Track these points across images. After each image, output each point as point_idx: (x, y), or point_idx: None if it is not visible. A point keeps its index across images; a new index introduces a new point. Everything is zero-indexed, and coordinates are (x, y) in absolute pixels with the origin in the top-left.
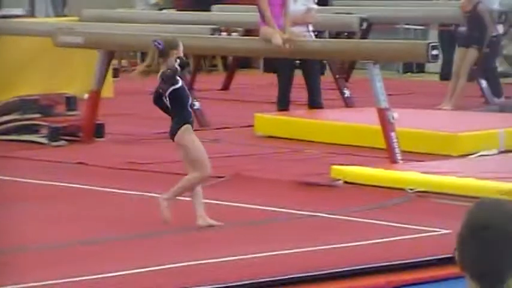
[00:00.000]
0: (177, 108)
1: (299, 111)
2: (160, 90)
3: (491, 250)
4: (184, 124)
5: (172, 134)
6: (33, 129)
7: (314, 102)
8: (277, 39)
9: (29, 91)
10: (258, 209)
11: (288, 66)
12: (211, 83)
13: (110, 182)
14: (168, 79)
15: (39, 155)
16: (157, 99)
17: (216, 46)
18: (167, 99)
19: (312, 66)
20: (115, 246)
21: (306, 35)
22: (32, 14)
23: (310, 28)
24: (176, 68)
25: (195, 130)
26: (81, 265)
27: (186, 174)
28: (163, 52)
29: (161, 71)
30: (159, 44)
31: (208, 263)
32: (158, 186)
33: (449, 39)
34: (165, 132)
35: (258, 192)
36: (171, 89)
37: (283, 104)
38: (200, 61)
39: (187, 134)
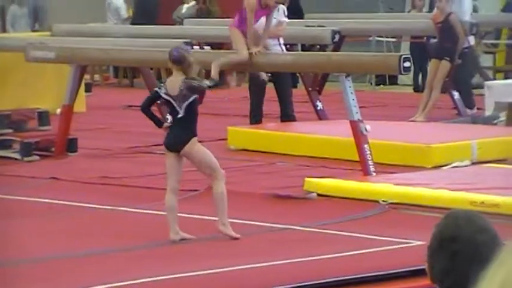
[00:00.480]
0: (190, 119)
1: (272, 124)
2: (184, 92)
3: (460, 262)
4: (193, 136)
5: (179, 144)
6: (5, 144)
7: (286, 115)
8: (242, 54)
9: (0, 106)
10: (231, 222)
11: (259, 79)
12: None
13: (83, 196)
14: (195, 89)
15: (12, 171)
16: (149, 107)
17: None
18: (183, 107)
19: (283, 80)
20: (85, 260)
21: (277, 49)
22: (3, 29)
23: (281, 41)
24: (206, 85)
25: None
26: (55, 280)
27: (160, 188)
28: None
29: (185, 77)
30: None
31: (181, 277)
32: (131, 201)
33: (420, 51)
34: (137, 147)
35: (231, 206)
36: (193, 97)
37: (256, 117)
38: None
39: (196, 145)
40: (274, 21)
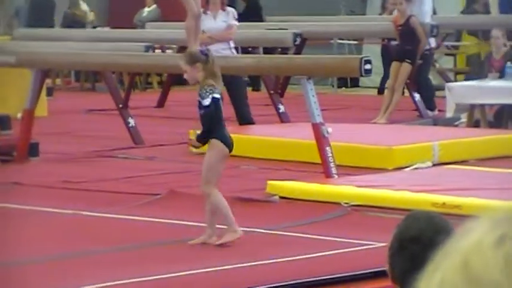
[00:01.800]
0: (205, 118)
1: (234, 127)
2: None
3: (421, 262)
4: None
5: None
6: None
7: (244, 119)
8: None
9: None
10: (194, 226)
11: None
12: (146, 100)
13: (45, 201)
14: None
15: None
16: None
17: (151, 63)
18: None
19: (236, 83)
20: (48, 265)
21: (228, 53)
22: None
23: (232, 45)
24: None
25: (129, 148)
26: (18, 286)
27: (122, 192)
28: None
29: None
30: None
31: (144, 281)
32: (93, 205)
33: (388, 54)
34: (99, 151)
35: (194, 209)
36: (201, 103)
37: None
38: (135, 78)
39: (210, 150)
40: (223, 25)
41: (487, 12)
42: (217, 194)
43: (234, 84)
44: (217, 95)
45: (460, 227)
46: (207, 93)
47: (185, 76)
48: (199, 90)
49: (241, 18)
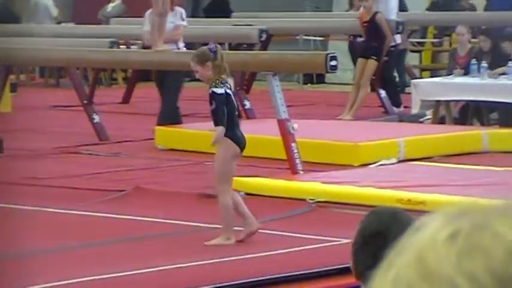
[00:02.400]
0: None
1: (200, 123)
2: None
3: (383, 258)
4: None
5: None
6: None
7: (164, 119)
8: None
9: None
10: (159, 222)
11: (157, 78)
12: (111, 96)
13: (9, 198)
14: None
15: None
16: None
17: (115, 59)
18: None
19: (169, 81)
20: (16, 262)
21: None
22: None
23: (181, 45)
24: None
25: (94, 144)
26: None
27: (87, 188)
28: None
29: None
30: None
31: (110, 277)
32: (58, 201)
33: (355, 50)
34: (63, 147)
35: (159, 205)
36: (212, 97)
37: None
38: (99, 74)
39: (220, 148)
40: (171, 26)
41: (473, 9)
42: (227, 196)
43: (168, 82)
44: (229, 91)
45: (414, 224)
46: (221, 85)
47: (197, 76)
48: (211, 85)
49: (206, 13)
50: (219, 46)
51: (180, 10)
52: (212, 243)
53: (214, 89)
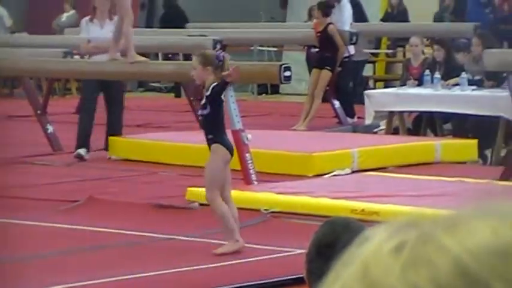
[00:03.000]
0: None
1: (154, 133)
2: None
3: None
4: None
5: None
6: None
7: (113, 130)
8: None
9: None
10: (113, 232)
11: (93, 87)
12: (65, 106)
13: None
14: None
15: None
16: None
17: (69, 69)
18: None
19: (115, 94)
20: None
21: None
22: None
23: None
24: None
25: (48, 154)
26: None
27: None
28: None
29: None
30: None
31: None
32: (11, 212)
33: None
34: (17, 157)
35: (113, 216)
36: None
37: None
38: (53, 84)
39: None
40: (111, 35)
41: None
42: (218, 202)
43: (113, 94)
44: (222, 97)
45: (356, 236)
46: (214, 90)
47: (192, 73)
48: (206, 90)
49: (161, 22)
50: (227, 56)
51: None
52: (221, 251)
53: (207, 93)
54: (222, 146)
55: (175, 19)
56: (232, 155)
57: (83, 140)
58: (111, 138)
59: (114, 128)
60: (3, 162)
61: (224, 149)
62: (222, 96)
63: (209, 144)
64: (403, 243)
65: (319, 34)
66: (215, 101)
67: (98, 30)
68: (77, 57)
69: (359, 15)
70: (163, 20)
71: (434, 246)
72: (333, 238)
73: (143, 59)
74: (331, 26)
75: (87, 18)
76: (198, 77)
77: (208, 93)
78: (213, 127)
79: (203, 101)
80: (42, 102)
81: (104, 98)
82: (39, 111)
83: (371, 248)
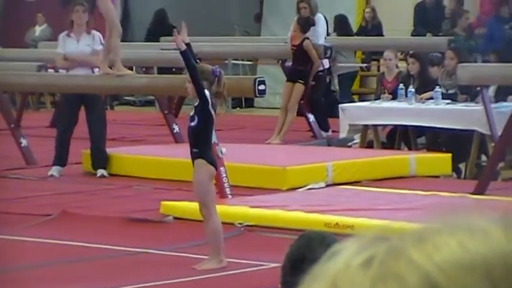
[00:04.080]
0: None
1: (128, 147)
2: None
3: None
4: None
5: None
6: None
7: (97, 150)
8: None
9: None
10: (86, 246)
11: (72, 102)
12: (39, 120)
13: None
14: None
15: None
16: None
17: (43, 83)
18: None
19: (95, 110)
20: None
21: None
22: None
23: (96, 70)
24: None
25: (22, 168)
26: None
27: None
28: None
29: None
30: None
31: None
32: None
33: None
34: (1, 170)
35: (86, 230)
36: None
37: (64, 140)
38: (27, 98)
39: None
40: (87, 49)
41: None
42: (215, 219)
43: (93, 104)
44: (213, 111)
45: (328, 250)
46: (203, 101)
47: (187, 85)
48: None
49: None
50: (222, 72)
51: (97, 34)
52: (203, 267)
53: (197, 103)
54: (206, 161)
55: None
56: (216, 169)
57: (60, 157)
58: (84, 152)
59: (98, 143)
60: None
61: (209, 165)
62: (211, 109)
63: (193, 158)
64: (371, 257)
65: (294, 47)
66: (204, 113)
67: (74, 44)
68: (51, 70)
69: (343, 27)
70: (151, 32)
71: (403, 261)
72: (307, 252)
73: (129, 72)
74: (306, 41)
75: (64, 33)
76: (191, 92)
77: (196, 103)
78: (199, 141)
79: (192, 112)
80: (16, 115)
81: (85, 113)
82: (12, 125)
83: (339, 263)
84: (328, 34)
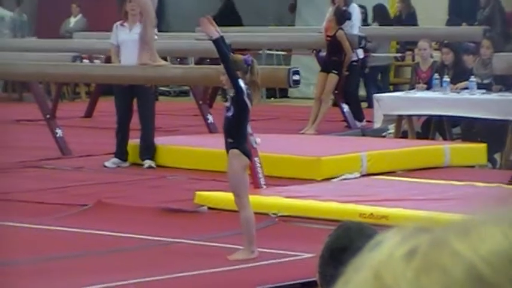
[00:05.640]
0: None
1: (162, 137)
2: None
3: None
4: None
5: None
6: None
7: (146, 141)
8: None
9: None
10: (122, 236)
11: (124, 94)
12: (74, 110)
13: None
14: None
15: None
16: None
17: (78, 73)
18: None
19: (145, 101)
20: None
21: None
22: None
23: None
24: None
25: (57, 158)
26: None
27: (50, 203)
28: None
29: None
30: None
31: None
32: (20, 216)
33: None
34: (26, 161)
35: (122, 220)
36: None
37: (120, 133)
38: (62, 89)
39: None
40: (137, 37)
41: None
42: (248, 209)
43: (144, 103)
44: (248, 102)
45: (370, 241)
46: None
47: (221, 78)
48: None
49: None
50: (255, 61)
51: None
52: (236, 257)
53: (234, 89)
54: (240, 152)
55: (230, 18)
56: (250, 160)
57: (118, 150)
58: (131, 143)
59: (148, 134)
60: (12, 167)
61: (242, 155)
62: (246, 100)
63: (227, 149)
64: (414, 248)
65: (328, 38)
66: (239, 104)
67: (127, 34)
68: (85, 61)
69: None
70: (218, 18)
71: (447, 252)
72: (346, 242)
73: (165, 62)
74: (340, 32)
75: (118, 23)
76: (226, 83)
77: (232, 94)
78: (234, 131)
79: (228, 103)
80: (51, 106)
81: (136, 104)
82: (48, 116)
83: (382, 253)
84: (367, 24)
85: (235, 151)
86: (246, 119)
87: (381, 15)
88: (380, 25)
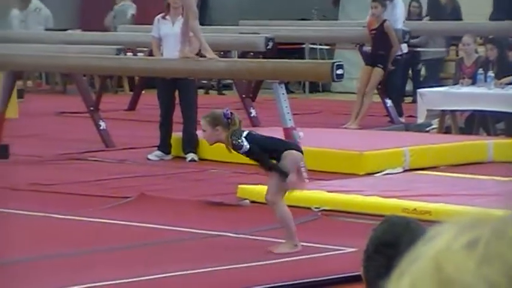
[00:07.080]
0: (258, 158)
1: None
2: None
3: (395, 267)
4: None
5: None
6: None
7: (189, 134)
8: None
9: None
10: (164, 229)
11: (167, 87)
12: (117, 103)
13: (14, 203)
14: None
15: None
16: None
17: (122, 66)
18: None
19: (187, 94)
20: (13, 268)
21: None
22: None
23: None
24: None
25: (100, 150)
26: None
27: (92, 195)
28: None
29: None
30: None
31: (116, 283)
32: (63, 208)
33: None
34: (69, 153)
35: (164, 213)
36: (241, 152)
37: (163, 126)
38: (106, 81)
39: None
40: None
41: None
42: (280, 205)
43: (186, 94)
44: (245, 132)
45: (424, 234)
46: (239, 140)
47: (203, 135)
48: (229, 145)
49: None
50: (234, 113)
51: None
52: (278, 250)
53: (240, 151)
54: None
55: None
56: (302, 152)
57: (162, 143)
58: (174, 136)
59: (191, 127)
60: (55, 159)
61: (293, 152)
62: (245, 133)
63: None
64: (476, 239)
65: (373, 31)
66: (255, 156)
67: (169, 27)
68: (129, 54)
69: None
70: None
71: (508, 242)
72: (392, 237)
73: (215, 56)
74: (387, 23)
75: (159, 16)
76: (209, 138)
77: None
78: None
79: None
80: (95, 98)
81: (179, 97)
82: (91, 108)
83: (441, 245)
84: (421, 18)
85: (290, 152)
86: (266, 150)
87: (433, 9)
88: (431, 19)
